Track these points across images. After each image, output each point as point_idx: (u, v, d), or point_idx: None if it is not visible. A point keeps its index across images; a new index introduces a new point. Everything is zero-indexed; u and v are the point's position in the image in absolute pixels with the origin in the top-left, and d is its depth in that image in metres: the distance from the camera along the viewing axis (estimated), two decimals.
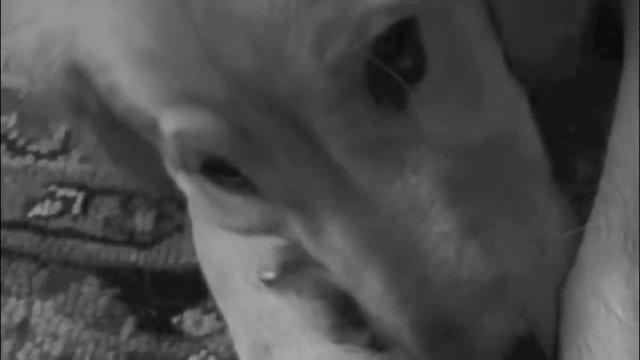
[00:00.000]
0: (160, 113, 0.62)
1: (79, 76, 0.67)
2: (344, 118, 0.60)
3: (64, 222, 0.85)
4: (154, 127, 0.63)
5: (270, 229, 0.67)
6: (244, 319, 0.69)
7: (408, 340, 0.63)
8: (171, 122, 0.62)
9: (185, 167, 0.66)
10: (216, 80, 0.60)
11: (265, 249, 0.69)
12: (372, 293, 0.64)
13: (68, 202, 0.87)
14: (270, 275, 0.68)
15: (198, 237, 0.75)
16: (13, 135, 0.92)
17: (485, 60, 0.66)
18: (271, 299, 0.69)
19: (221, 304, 0.72)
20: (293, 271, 0.68)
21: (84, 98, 0.69)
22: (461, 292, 0.62)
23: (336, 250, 0.63)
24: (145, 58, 0.61)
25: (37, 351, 0.78)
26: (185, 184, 0.70)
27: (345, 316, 0.67)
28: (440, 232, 0.62)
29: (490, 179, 0.64)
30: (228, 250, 0.71)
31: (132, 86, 0.63)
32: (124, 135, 0.71)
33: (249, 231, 0.69)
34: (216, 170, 0.65)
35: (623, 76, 0.72)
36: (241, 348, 0.69)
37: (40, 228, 0.85)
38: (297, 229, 0.65)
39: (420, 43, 0.62)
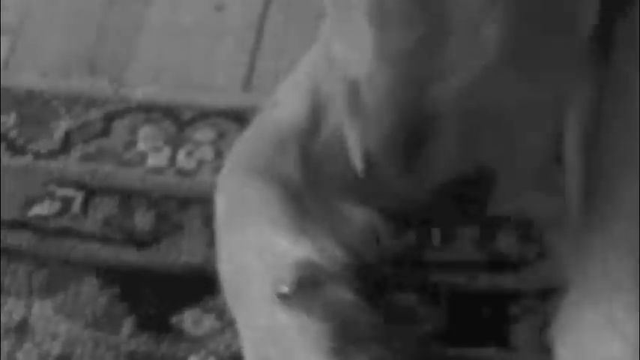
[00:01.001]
0: None
1: None
2: None
3: (64, 221, 0.85)
4: None
5: None
6: (254, 331, 0.69)
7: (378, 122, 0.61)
8: None
9: None
10: None
11: (285, 263, 0.68)
12: (393, 41, 0.60)
13: (67, 201, 0.86)
14: (284, 290, 0.68)
15: (223, 221, 0.75)
16: (13, 134, 0.92)
17: None
18: (282, 316, 0.68)
19: (231, 301, 0.73)
20: (308, 287, 0.68)
21: None
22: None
23: None
24: None
25: (36, 350, 0.77)
26: None
27: (349, 340, 0.67)
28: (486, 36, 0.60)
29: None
30: (251, 251, 0.71)
31: None
32: None
33: None
34: None
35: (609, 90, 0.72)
36: (247, 358, 0.70)
37: (39, 227, 0.85)
38: None
39: None
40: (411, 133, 0.60)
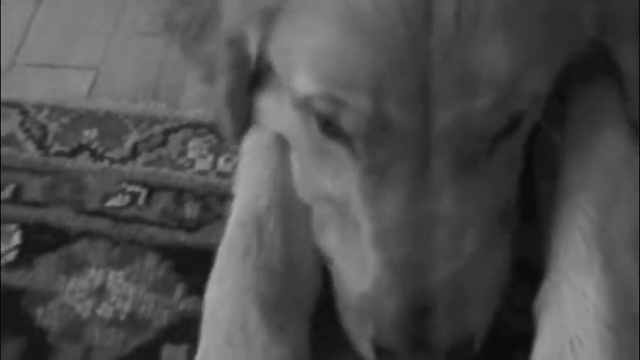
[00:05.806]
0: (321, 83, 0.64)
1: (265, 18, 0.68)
2: (459, 157, 0.67)
3: (132, 211, 0.93)
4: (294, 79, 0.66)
5: (331, 195, 0.71)
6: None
7: (384, 314, 0.67)
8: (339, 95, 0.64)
9: (305, 110, 0.68)
10: (406, 83, 0.62)
11: None
12: (393, 257, 0.67)
13: (135, 196, 0.94)
14: None
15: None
16: (94, 145, 0.99)
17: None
18: None
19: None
20: None
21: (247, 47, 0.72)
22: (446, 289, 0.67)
23: (385, 210, 0.67)
24: (357, 23, 0.62)
25: (111, 308, 0.85)
26: (290, 122, 0.73)
27: None
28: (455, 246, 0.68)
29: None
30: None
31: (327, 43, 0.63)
32: (247, 85, 0.77)
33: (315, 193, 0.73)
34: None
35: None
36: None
37: (114, 215, 0.93)
38: (354, 188, 0.69)
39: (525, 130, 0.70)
40: (414, 311, 0.66)
